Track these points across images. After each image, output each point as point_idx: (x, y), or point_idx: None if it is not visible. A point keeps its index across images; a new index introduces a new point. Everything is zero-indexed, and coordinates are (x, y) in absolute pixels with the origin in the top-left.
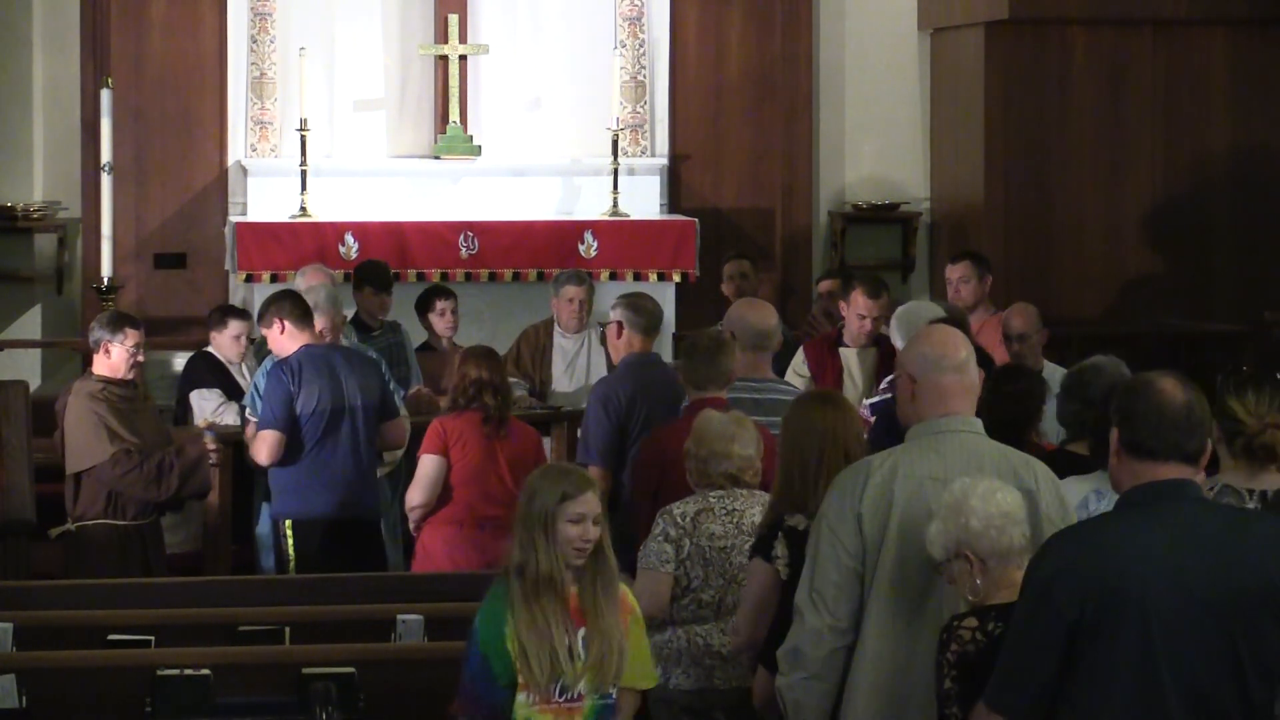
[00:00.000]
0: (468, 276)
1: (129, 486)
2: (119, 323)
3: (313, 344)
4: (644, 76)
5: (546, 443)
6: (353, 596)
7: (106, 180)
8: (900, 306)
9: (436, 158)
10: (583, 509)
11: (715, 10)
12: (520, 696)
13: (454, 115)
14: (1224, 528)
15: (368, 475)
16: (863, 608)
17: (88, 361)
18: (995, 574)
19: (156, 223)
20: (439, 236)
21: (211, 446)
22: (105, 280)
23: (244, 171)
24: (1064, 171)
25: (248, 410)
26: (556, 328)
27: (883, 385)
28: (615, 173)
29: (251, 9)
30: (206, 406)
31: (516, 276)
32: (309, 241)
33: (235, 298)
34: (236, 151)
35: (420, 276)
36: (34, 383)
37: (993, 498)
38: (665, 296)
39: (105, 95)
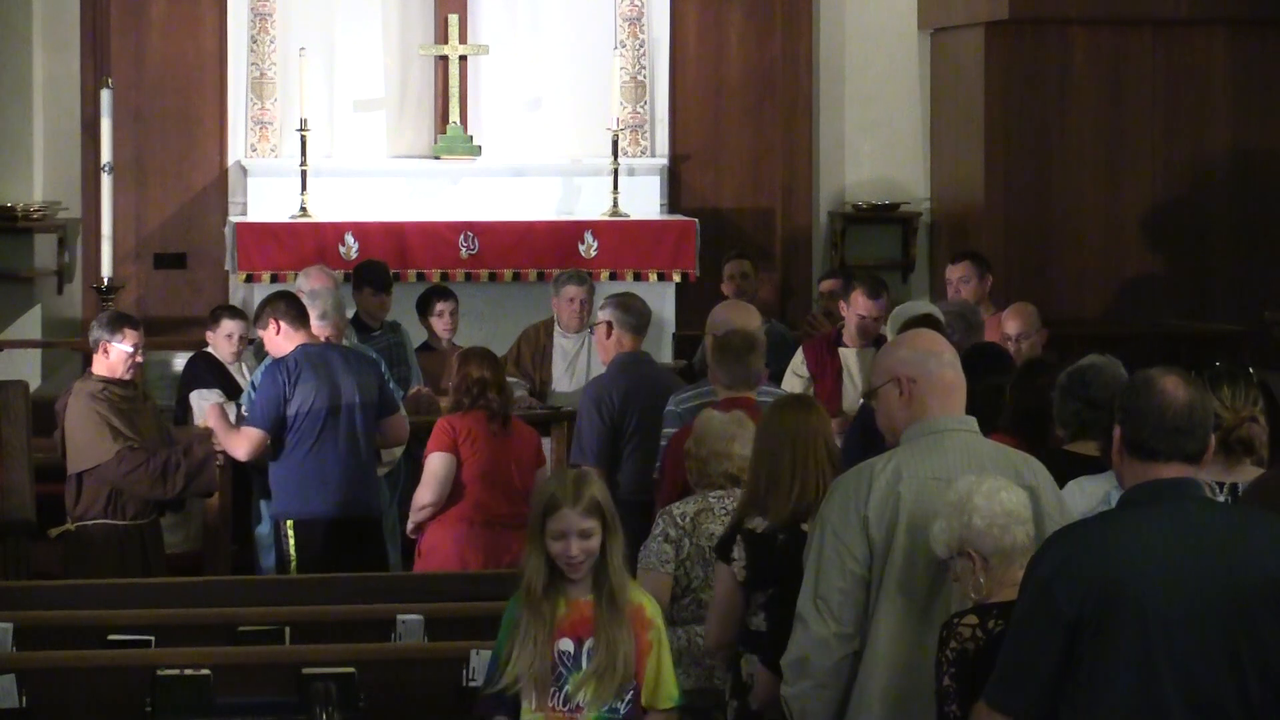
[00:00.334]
0: (468, 276)
1: (134, 484)
2: (118, 323)
3: (309, 343)
4: (644, 76)
5: (546, 443)
6: (353, 596)
7: (106, 180)
8: (897, 307)
9: (436, 158)
10: (561, 525)
11: (715, 10)
12: (524, 702)
13: (454, 115)
14: (1226, 527)
15: (368, 474)
16: (869, 612)
17: (88, 361)
18: (998, 572)
19: (156, 223)
20: (439, 236)
21: (218, 447)
22: (105, 280)
23: (244, 171)
24: (1064, 171)
25: (244, 409)
26: (557, 328)
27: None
28: (615, 173)
29: (251, 9)
30: (207, 407)
31: (516, 276)
32: (309, 241)
33: (235, 298)
34: (236, 151)
35: (420, 276)
36: (34, 383)
37: (996, 496)
38: (665, 296)
39: (105, 95)
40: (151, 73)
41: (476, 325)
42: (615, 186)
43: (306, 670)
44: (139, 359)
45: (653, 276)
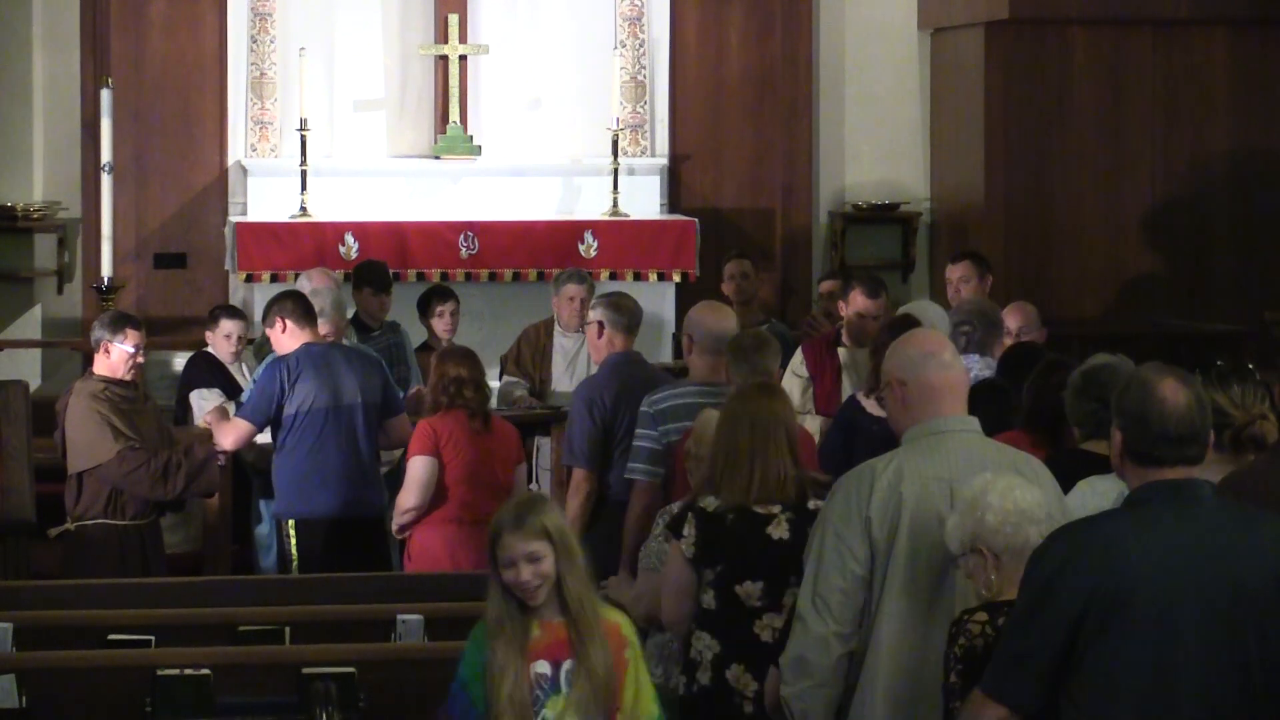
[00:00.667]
0: (468, 276)
1: (135, 484)
2: (120, 323)
3: (313, 342)
4: (644, 76)
5: (546, 442)
6: (353, 596)
7: (106, 180)
8: (902, 307)
9: (436, 158)
10: (507, 554)
11: (715, 10)
12: None
13: (454, 115)
14: (1230, 527)
15: (369, 473)
16: (873, 611)
17: (88, 361)
18: (1009, 570)
19: (156, 223)
20: (439, 236)
21: (218, 447)
22: (105, 280)
23: (244, 171)
24: (1064, 171)
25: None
26: (557, 327)
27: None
28: (615, 173)
29: (251, 9)
30: (206, 406)
31: (516, 276)
32: (309, 241)
33: (235, 298)
34: (236, 151)
35: (420, 276)
36: (34, 383)
37: (1010, 495)
38: (665, 296)
39: (105, 95)
40: (151, 73)
41: (476, 325)
42: (615, 186)
43: (306, 670)
44: (140, 359)
45: (653, 276)
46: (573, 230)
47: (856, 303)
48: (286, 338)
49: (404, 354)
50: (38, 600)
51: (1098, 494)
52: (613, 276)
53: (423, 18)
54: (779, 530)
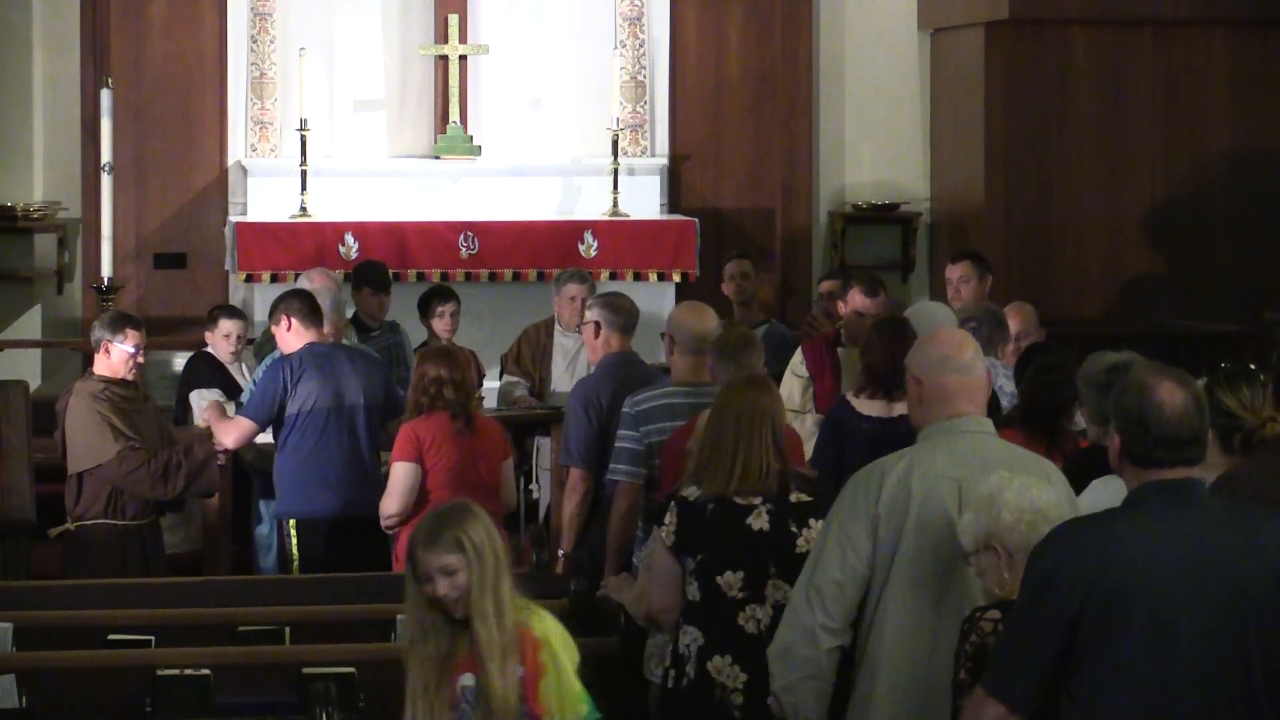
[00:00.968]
0: (468, 276)
1: (135, 484)
2: (120, 323)
3: (317, 342)
4: (644, 76)
5: (546, 442)
6: (353, 596)
7: (106, 180)
8: (910, 307)
9: (436, 158)
10: (421, 569)
11: (715, 10)
12: None
13: (454, 115)
14: (1230, 526)
15: (371, 474)
16: (875, 607)
17: (88, 361)
18: (1021, 569)
19: (156, 223)
20: (439, 236)
21: (219, 447)
22: (105, 280)
23: (244, 171)
24: (1064, 171)
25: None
26: (557, 327)
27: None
28: (615, 173)
29: (251, 9)
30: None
31: (516, 276)
32: (309, 241)
33: (235, 298)
34: (236, 151)
35: (420, 276)
36: (34, 383)
37: (1026, 493)
38: (665, 296)
39: (105, 95)
40: (151, 73)
41: (476, 325)
42: (615, 186)
43: (306, 670)
44: (140, 359)
45: (653, 276)
46: (573, 230)
47: (855, 302)
48: (291, 336)
49: (404, 354)
50: (38, 600)
51: (1111, 492)
52: (613, 276)
53: (423, 18)
54: (759, 521)
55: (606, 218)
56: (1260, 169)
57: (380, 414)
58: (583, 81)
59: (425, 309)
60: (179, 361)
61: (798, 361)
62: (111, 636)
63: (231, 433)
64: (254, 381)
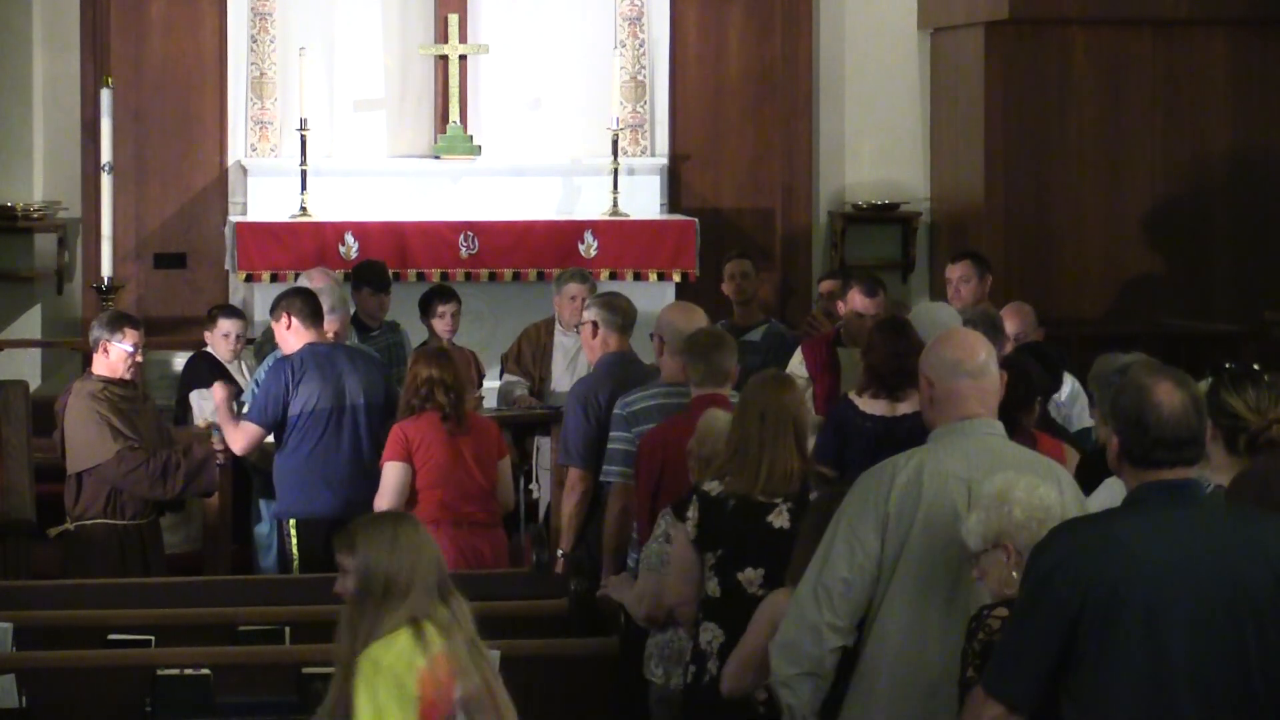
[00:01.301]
0: (468, 276)
1: (134, 484)
2: (118, 322)
3: (317, 342)
4: (644, 76)
5: (546, 442)
6: None
7: (106, 180)
8: (915, 308)
9: (436, 158)
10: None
11: (715, 10)
12: None
13: (454, 115)
14: (1229, 525)
15: (371, 474)
16: (879, 606)
17: (88, 361)
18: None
19: (156, 223)
20: (439, 236)
21: (218, 446)
22: (105, 280)
23: (244, 171)
24: (1064, 171)
25: (245, 405)
26: (557, 326)
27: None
28: (615, 173)
29: (251, 9)
30: (206, 406)
31: (516, 276)
32: (309, 241)
33: (235, 298)
34: (236, 151)
35: (420, 276)
36: (34, 383)
37: (1035, 492)
38: (665, 296)
39: (105, 95)
40: (151, 73)
41: (476, 325)
42: (615, 186)
43: (306, 670)
44: (139, 359)
45: (653, 276)
46: (573, 230)
47: (854, 302)
48: (290, 335)
49: (404, 354)
50: (38, 600)
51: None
52: (613, 276)
53: (423, 18)
54: (779, 519)
55: (606, 218)
56: (1260, 169)
57: (381, 414)
58: (583, 81)
59: (426, 309)
60: (179, 361)
61: (797, 361)
62: (111, 636)
63: (239, 440)
64: (255, 382)
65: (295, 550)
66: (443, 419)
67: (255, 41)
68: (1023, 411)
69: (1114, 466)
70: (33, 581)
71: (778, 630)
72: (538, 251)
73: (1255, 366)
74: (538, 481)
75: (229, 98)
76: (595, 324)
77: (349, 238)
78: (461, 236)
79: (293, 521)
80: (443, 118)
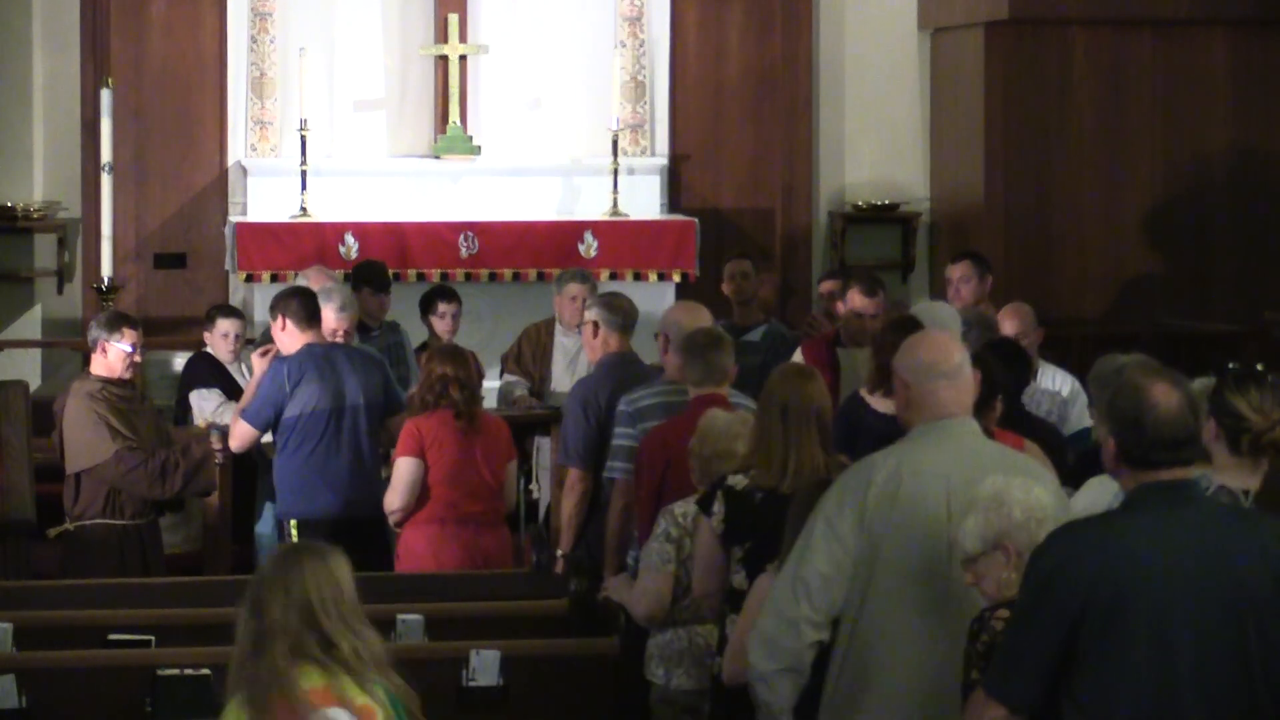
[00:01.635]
0: (468, 276)
1: (132, 484)
2: (116, 322)
3: (315, 343)
4: (644, 76)
5: (546, 442)
6: None
7: (106, 180)
8: (915, 307)
9: (436, 158)
10: None
11: (715, 10)
12: None
13: (454, 115)
14: (1229, 526)
15: (371, 474)
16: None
17: (88, 361)
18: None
19: (156, 223)
20: (439, 236)
21: (217, 446)
22: (105, 280)
23: (244, 171)
24: (1064, 171)
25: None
26: (558, 326)
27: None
28: (615, 173)
29: (251, 9)
30: (206, 406)
31: (516, 276)
32: (309, 241)
33: (235, 298)
34: (236, 151)
35: (420, 276)
36: (34, 383)
37: (1031, 492)
38: (665, 296)
39: (105, 95)
40: (151, 73)
41: (476, 325)
42: (615, 186)
43: None
44: (137, 359)
45: (653, 276)
46: (573, 230)
47: (854, 301)
48: (285, 336)
49: (404, 354)
50: (38, 600)
51: (1109, 492)
52: (613, 276)
53: (423, 18)
54: None
55: (606, 218)
56: (1260, 169)
57: (380, 413)
58: (583, 81)
59: (426, 309)
60: (179, 361)
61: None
62: (111, 636)
63: (234, 438)
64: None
65: None
66: (456, 416)
67: (255, 41)
68: (983, 410)
69: (1110, 468)
70: (33, 581)
71: (756, 624)
72: (538, 252)
73: (1259, 367)
74: (537, 482)
75: (229, 98)
76: (596, 324)
77: (349, 238)
78: (461, 236)
79: (294, 522)
80: (443, 118)
